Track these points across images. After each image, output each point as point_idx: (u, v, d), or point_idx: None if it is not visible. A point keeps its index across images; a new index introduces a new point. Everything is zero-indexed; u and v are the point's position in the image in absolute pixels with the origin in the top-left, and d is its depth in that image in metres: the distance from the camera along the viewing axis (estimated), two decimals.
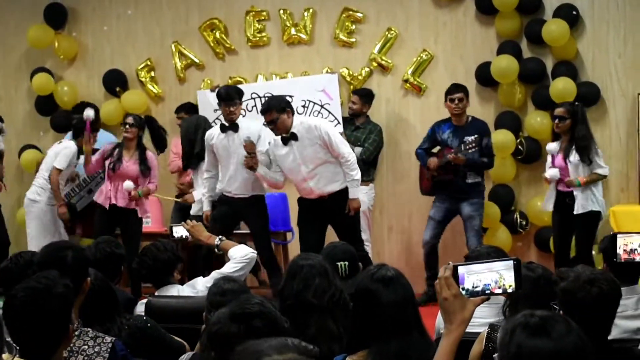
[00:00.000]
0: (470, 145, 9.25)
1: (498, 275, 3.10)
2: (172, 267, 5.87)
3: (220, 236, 6.38)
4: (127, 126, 9.56)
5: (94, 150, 9.86)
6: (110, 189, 9.56)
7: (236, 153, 8.95)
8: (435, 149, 9.82)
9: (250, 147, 8.62)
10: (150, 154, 9.74)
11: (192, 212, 9.69)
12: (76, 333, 3.94)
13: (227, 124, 9.02)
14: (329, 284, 4.38)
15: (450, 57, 10.58)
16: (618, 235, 3.44)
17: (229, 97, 8.95)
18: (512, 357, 2.56)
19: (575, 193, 8.72)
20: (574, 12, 9.95)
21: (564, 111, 8.82)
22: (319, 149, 8.60)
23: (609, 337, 4.23)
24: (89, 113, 9.68)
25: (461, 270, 3.11)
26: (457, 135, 9.53)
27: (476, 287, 3.11)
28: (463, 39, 10.53)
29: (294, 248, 9.91)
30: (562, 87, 9.70)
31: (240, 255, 5.98)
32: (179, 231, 6.67)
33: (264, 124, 9.06)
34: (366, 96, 10.29)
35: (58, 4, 11.60)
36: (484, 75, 10.21)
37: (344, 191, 8.62)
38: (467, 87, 9.68)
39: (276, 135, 8.72)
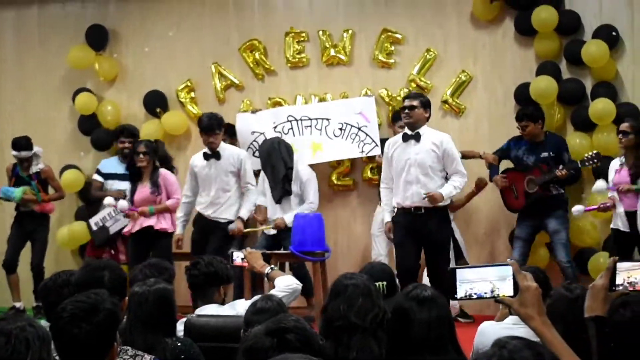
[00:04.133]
0: (594, 161, 9.25)
1: (491, 285, 3.10)
2: (216, 284, 5.91)
3: (271, 265, 6.50)
4: (140, 155, 9.68)
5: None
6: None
7: (219, 179, 9.53)
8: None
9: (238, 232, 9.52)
10: (164, 171, 9.87)
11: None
12: None
13: (210, 153, 9.52)
14: (373, 304, 4.38)
15: (489, 78, 10.58)
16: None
17: (210, 127, 9.47)
18: None
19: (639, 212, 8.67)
20: (614, 33, 9.92)
21: (628, 126, 8.80)
22: None
23: None
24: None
25: (457, 276, 3.13)
26: (533, 152, 9.56)
27: (469, 297, 3.12)
28: (502, 59, 10.53)
29: (331, 266, 9.93)
30: (601, 108, 9.66)
31: (283, 285, 6.04)
32: (239, 257, 6.77)
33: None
34: None
35: (99, 25, 11.72)
36: (523, 96, 10.18)
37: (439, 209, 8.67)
38: (533, 111, 9.63)
39: None
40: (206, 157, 9.54)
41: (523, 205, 9.68)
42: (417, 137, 8.69)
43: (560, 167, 9.29)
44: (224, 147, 9.58)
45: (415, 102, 8.70)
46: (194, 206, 9.84)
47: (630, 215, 8.77)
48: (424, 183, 8.59)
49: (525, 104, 10.15)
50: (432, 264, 8.66)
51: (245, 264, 6.69)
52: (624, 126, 8.84)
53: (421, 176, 8.61)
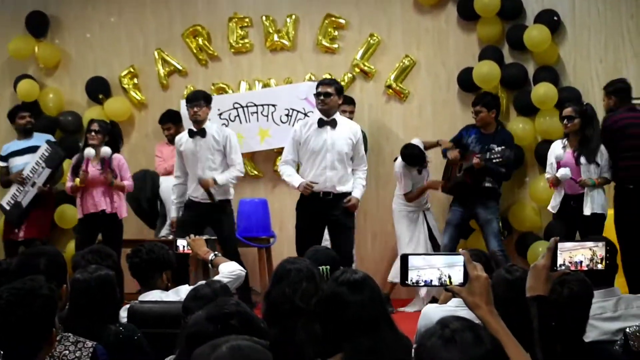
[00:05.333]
0: (496, 156, 9.22)
1: (439, 272, 3.13)
2: (158, 270, 5.89)
3: (215, 252, 6.46)
4: (93, 133, 9.60)
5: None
6: (80, 198, 9.69)
7: (204, 158, 9.18)
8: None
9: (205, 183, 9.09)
10: (119, 155, 9.77)
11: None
12: (57, 338, 3.95)
13: (195, 129, 9.22)
14: (316, 288, 4.41)
15: (432, 62, 10.62)
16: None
17: (194, 98, 9.23)
18: None
19: (585, 196, 8.68)
20: (555, 18, 10.01)
21: (572, 110, 8.75)
22: None
23: (589, 339, 4.27)
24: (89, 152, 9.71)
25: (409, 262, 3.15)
26: (480, 142, 9.55)
27: (417, 284, 3.15)
28: (445, 44, 10.58)
29: (277, 252, 9.96)
30: (543, 93, 9.74)
31: (228, 271, 6.02)
32: (182, 244, 6.73)
33: None
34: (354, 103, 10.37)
35: (40, 12, 11.59)
36: (466, 80, 10.24)
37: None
38: (490, 99, 9.64)
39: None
40: (191, 134, 9.24)
41: (447, 187, 9.82)
42: (332, 124, 8.73)
43: (479, 156, 9.31)
44: (210, 125, 9.32)
45: (330, 89, 8.71)
46: (186, 188, 9.50)
47: (567, 198, 8.83)
48: (338, 170, 8.69)
49: (469, 89, 10.22)
50: (337, 246, 8.53)
51: (189, 251, 6.66)
52: (568, 111, 8.79)
53: (336, 162, 8.68)
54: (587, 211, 8.64)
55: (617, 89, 9.05)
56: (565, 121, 8.79)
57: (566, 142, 8.89)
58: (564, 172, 8.66)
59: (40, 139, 10.67)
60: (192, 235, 6.69)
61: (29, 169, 10.31)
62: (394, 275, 9.62)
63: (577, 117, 8.73)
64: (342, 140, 8.70)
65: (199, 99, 9.20)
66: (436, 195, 10.20)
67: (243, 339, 2.55)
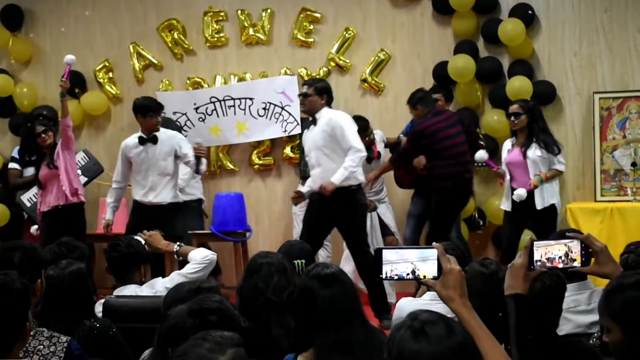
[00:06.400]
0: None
1: (412, 266, 3.14)
2: (136, 264, 5.88)
3: (178, 242, 6.41)
4: (43, 135, 9.37)
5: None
6: (39, 199, 9.60)
7: (156, 165, 9.15)
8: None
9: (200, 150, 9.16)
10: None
11: None
12: (31, 333, 3.95)
13: (145, 137, 9.17)
14: (288, 282, 4.44)
15: (407, 56, 10.64)
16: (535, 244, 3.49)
17: (156, 108, 9.20)
18: (394, 358, 2.59)
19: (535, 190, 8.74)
20: (530, 12, 10.05)
21: (518, 107, 8.83)
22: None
23: (563, 332, 4.30)
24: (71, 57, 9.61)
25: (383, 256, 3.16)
26: None
27: (391, 278, 3.16)
28: (420, 38, 10.60)
29: (253, 246, 9.97)
30: (518, 86, 9.78)
31: (200, 257, 5.97)
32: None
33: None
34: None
35: (14, 5, 11.54)
36: (441, 74, 10.26)
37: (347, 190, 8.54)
38: (421, 94, 9.53)
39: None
40: (142, 141, 9.15)
41: (411, 182, 9.83)
42: (314, 122, 8.64)
43: None
44: (162, 131, 9.26)
45: (310, 90, 8.61)
46: (124, 192, 9.51)
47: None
48: (324, 165, 8.53)
49: (444, 83, 10.24)
50: (348, 244, 8.68)
51: (147, 248, 6.59)
52: (514, 108, 8.85)
53: (322, 158, 8.55)
54: (538, 205, 8.71)
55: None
56: (512, 118, 8.84)
57: (514, 141, 8.94)
58: (520, 192, 8.68)
59: None
60: (145, 232, 6.56)
61: None
62: None
63: (524, 114, 8.78)
64: (318, 135, 8.57)
65: (159, 109, 9.23)
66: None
67: (223, 339, 2.56)
